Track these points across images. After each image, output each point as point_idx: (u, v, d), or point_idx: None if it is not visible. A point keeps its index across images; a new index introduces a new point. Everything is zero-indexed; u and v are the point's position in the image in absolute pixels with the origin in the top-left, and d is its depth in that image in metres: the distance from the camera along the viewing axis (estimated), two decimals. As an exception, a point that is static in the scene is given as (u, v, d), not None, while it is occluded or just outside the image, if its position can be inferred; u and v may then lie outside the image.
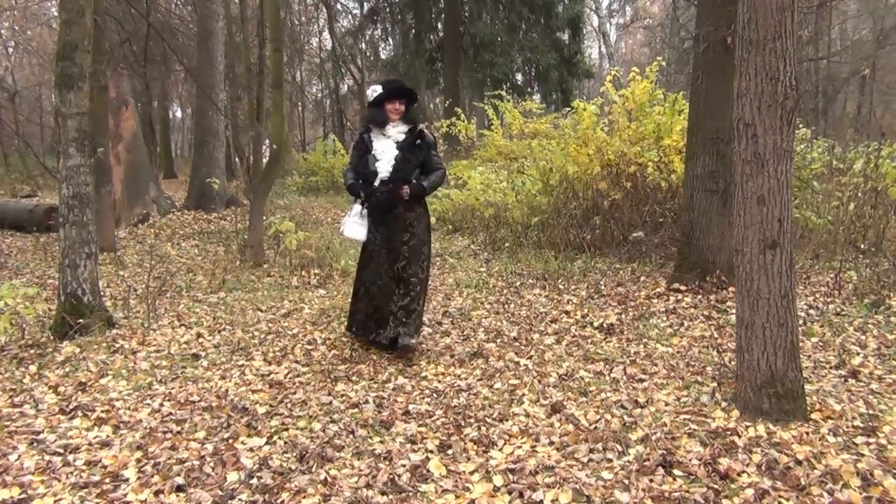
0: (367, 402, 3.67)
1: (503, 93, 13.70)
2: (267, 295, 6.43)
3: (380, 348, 4.57)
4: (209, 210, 12.35)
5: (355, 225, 4.52)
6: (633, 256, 7.04)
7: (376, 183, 4.48)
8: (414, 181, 4.49)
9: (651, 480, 2.70)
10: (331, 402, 3.69)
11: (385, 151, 4.50)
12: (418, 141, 4.54)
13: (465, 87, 21.68)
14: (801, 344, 3.60)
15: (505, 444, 3.12)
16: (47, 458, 3.05)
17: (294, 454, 3.05)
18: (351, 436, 3.25)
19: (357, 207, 4.52)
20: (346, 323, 4.89)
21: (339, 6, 23.85)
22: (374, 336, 4.55)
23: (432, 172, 4.59)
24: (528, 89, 21.80)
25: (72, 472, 2.93)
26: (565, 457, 2.96)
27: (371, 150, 4.53)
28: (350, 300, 4.81)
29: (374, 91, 4.54)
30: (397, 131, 4.53)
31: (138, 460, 3.03)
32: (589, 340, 4.67)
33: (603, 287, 6.03)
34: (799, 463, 2.76)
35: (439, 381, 4.02)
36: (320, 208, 13.22)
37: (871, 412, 3.23)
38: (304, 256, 7.66)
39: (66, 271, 4.95)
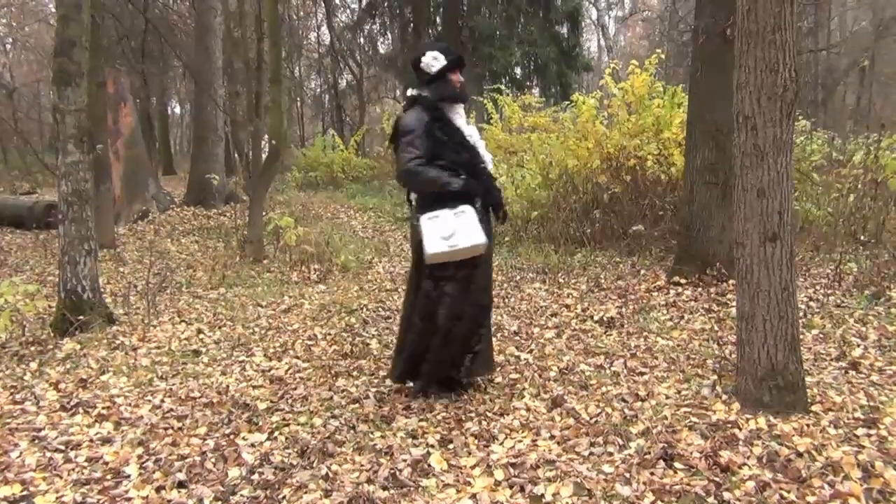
0: (367, 397, 3.67)
1: (502, 86, 13.67)
2: (267, 291, 6.42)
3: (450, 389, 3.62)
4: (208, 206, 12.34)
5: (480, 232, 3.36)
6: (633, 250, 7.04)
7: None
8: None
9: (652, 473, 2.70)
10: (331, 398, 3.69)
11: (472, 136, 3.51)
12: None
13: (463, 81, 21.56)
14: (801, 336, 3.60)
15: (506, 438, 3.12)
16: (48, 454, 3.05)
17: (295, 450, 3.05)
18: (352, 431, 3.26)
19: (469, 210, 3.38)
20: (389, 370, 3.86)
21: (337, 1, 23.80)
22: (462, 375, 3.61)
23: None
24: (527, 83, 21.72)
25: (73, 469, 2.93)
26: (566, 450, 2.96)
27: (465, 134, 3.48)
28: (413, 336, 3.57)
29: (436, 59, 3.46)
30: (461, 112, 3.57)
31: (139, 456, 3.03)
32: (589, 334, 4.67)
33: (603, 281, 6.03)
34: (800, 455, 2.76)
35: (440, 376, 4.01)
36: (320, 204, 13.21)
37: (871, 404, 3.23)
38: (303, 252, 7.65)
39: (66, 268, 4.95)
